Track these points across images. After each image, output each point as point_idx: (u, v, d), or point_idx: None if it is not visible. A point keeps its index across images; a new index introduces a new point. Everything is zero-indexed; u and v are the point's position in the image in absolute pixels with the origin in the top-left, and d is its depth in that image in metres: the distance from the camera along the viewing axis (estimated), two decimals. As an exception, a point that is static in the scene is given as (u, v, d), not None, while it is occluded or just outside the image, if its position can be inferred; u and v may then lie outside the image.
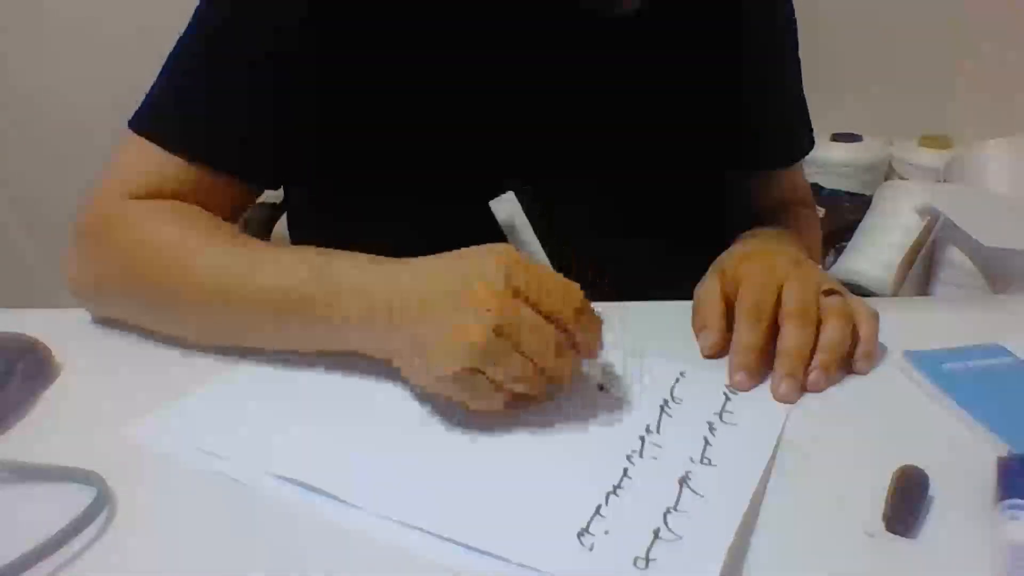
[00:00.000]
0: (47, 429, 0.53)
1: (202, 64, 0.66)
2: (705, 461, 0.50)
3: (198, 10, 0.67)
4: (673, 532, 0.44)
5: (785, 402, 0.56)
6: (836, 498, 0.47)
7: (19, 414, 0.53)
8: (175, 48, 0.67)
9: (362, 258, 0.57)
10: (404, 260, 0.56)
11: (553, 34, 0.69)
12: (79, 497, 0.44)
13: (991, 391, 0.57)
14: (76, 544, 0.42)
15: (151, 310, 0.62)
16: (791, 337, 0.58)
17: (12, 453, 0.49)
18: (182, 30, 0.67)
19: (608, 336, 0.54)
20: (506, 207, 0.57)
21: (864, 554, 0.44)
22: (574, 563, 0.42)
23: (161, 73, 0.67)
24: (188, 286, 0.59)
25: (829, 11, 1.77)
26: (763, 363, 0.59)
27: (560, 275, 0.53)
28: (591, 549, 0.43)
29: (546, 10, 0.68)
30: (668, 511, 0.45)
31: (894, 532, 0.44)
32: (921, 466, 0.48)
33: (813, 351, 0.58)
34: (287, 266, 0.58)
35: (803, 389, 0.57)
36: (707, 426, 0.53)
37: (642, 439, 0.52)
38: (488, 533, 0.44)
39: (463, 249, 0.54)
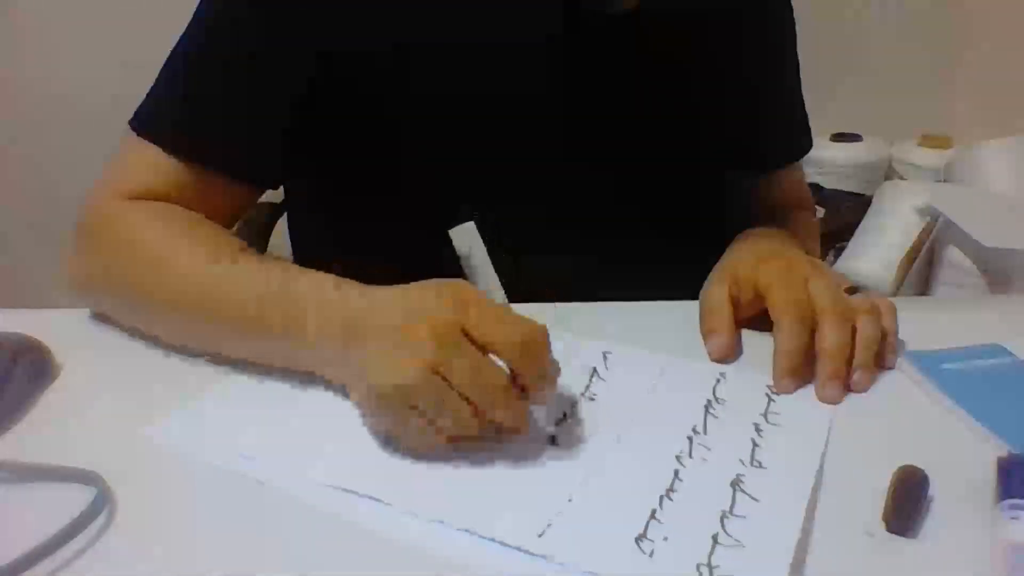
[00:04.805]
0: (47, 429, 0.53)
1: (200, 65, 0.66)
2: (755, 463, 0.49)
3: (197, 11, 0.67)
4: (732, 538, 0.43)
5: (830, 403, 0.56)
6: (836, 498, 0.47)
7: (19, 414, 0.53)
8: (174, 48, 0.67)
9: (327, 280, 0.55)
10: (366, 286, 0.54)
11: (551, 34, 0.68)
12: (79, 497, 0.44)
13: (991, 391, 0.57)
14: (76, 544, 0.42)
15: (132, 310, 0.61)
16: (833, 337, 0.58)
17: (12, 453, 0.49)
18: (182, 30, 0.67)
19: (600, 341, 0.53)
20: (464, 238, 0.54)
21: (864, 554, 0.44)
22: (634, 569, 0.41)
23: (160, 74, 0.67)
24: (162, 289, 0.58)
25: (829, 11, 1.76)
26: (806, 364, 0.58)
27: (517, 315, 0.49)
28: (651, 555, 0.42)
29: (546, 10, 0.68)
30: (725, 515, 0.45)
31: (894, 532, 0.44)
32: (921, 466, 0.48)
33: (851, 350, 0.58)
34: (254, 279, 0.56)
35: (847, 389, 0.57)
36: (753, 428, 0.53)
37: (690, 439, 0.51)
38: (543, 537, 0.43)
39: (423, 281, 0.52)
